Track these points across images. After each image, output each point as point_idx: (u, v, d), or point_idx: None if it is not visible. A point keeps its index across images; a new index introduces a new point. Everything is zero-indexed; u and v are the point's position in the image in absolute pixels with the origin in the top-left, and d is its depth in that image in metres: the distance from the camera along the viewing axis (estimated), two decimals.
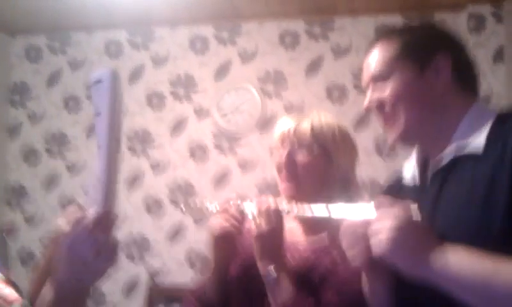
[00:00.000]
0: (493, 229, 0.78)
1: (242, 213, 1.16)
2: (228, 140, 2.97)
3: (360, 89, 2.87)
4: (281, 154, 1.20)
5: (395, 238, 0.76)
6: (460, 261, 0.75)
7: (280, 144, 1.22)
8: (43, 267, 0.94)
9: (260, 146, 2.94)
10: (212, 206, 1.19)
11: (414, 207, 0.80)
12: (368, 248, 0.81)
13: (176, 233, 2.95)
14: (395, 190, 1.05)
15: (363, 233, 0.82)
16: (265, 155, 2.92)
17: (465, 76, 0.95)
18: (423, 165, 0.99)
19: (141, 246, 2.95)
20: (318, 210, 0.99)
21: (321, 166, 1.19)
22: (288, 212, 1.10)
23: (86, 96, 3.07)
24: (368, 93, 0.98)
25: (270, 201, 1.11)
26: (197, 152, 2.99)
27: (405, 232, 0.76)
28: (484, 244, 0.75)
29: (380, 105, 0.96)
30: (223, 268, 1.21)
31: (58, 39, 3.16)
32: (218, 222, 1.15)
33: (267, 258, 1.10)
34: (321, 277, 1.12)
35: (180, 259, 2.92)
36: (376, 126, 2.86)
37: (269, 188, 2.84)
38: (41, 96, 3.16)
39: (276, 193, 1.22)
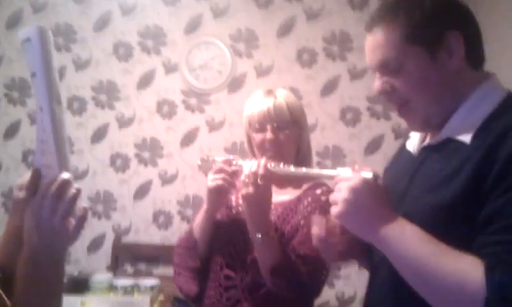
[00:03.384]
0: (444, 208, 0.81)
1: (235, 172, 1.28)
2: (196, 97, 2.95)
3: (329, 54, 2.91)
4: (263, 132, 1.32)
5: (349, 202, 0.83)
6: (403, 236, 0.80)
7: (259, 124, 1.33)
8: (9, 234, 0.94)
9: (228, 105, 2.94)
10: (220, 160, 1.32)
11: (369, 175, 0.87)
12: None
13: (142, 190, 2.97)
14: (400, 149, 1.12)
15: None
16: (233, 114, 2.93)
17: (475, 53, 0.90)
18: (424, 136, 1.01)
19: (107, 203, 2.96)
20: (298, 170, 1.18)
21: (296, 139, 1.36)
22: (275, 169, 1.21)
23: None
24: (377, 77, 0.93)
25: (261, 165, 1.20)
26: (164, 107, 2.96)
27: (360, 194, 0.83)
28: (435, 216, 0.82)
29: (392, 93, 0.91)
30: (213, 217, 1.33)
31: None
32: (213, 178, 1.27)
33: (253, 220, 1.21)
34: (288, 233, 1.28)
35: (147, 217, 2.95)
36: (342, 93, 2.92)
37: (235, 148, 2.88)
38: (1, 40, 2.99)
39: (241, 153, 1.35)
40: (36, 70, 0.75)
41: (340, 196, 0.85)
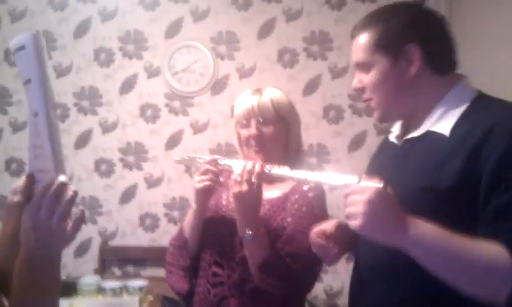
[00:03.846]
0: (439, 191, 0.91)
1: (221, 171, 1.31)
2: (179, 100, 2.97)
3: (310, 53, 2.96)
4: (248, 128, 1.35)
5: (368, 215, 0.86)
6: (429, 235, 0.86)
7: (245, 120, 1.36)
8: (5, 237, 0.96)
9: (212, 107, 2.96)
10: (201, 160, 1.35)
11: (380, 184, 0.89)
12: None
13: (128, 194, 2.97)
14: (383, 142, 1.24)
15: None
16: (217, 116, 2.95)
17: (441, 62, 1.04)
18: (405, 129, 1.12)
19: (92, 208, 2.95)
20: (297, 174, 1.14)
21: (282, 135, 1.38)
22: (269, 171, 1.22)
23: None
24: (356, 75, 1.10)
25: (256, 165, 1.22)
26: (148, 111, 2.97)
27: (377, 205, 0.86)
28: (424, 201, 0.92)
29: (362, 90, 1.09)
30: (202, 216, 1.36)
31: None
32: (199, 179, 1.30)
33: (243, 217, 1.22)
34: (276, 230, 1.30)
35: (133, 221, 2.96)
36: (324, 91, 2.97)
37: (220, 149, 2.90)
38: None
39: (226, 154, 1.35)
40: (31, 76, 0.76)
41: (357, 209, 0.87)
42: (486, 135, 0.89)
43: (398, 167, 1.03)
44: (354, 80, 1.10)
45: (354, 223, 0.87)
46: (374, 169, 1.13)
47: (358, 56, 1.07)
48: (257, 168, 1.20)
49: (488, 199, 0.87)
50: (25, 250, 0.76)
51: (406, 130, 1.10)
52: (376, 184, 0.88)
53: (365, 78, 1.06)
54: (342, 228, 1.12)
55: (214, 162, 1.30)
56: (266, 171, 1.21)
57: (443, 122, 0.98)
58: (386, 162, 1.11)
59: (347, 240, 1.13)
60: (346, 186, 0.92)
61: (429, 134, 0.99)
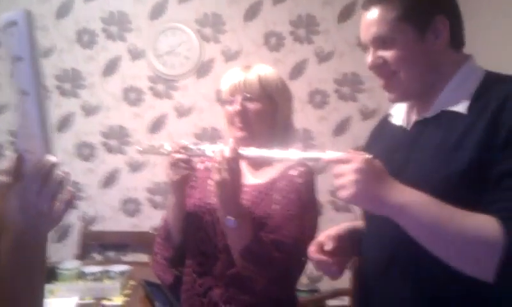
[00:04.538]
0: (455, 176, 0.88)
1: (193, 158, 1.26)
2: (163, 83, 2.92)
3: (297, 37, 2.92)
4: (233, 104, 1.30)
5: (359, 182, 0.84)
6: (419, 203, 0.85)
7: (230, 95, 1.31)
8: None
9: (197, 90, 2.92)
10: (168, 146, 1.27)
11: (369, 157, 0.88)
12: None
13: (110, 178, 2.93)
14: (380, 127, 1.19)
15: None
16: (202, 100, 2.91)
17: (458, 36, 1.01)
18: (410, 111, 1.08)
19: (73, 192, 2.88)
20: (277, 153, 1.11)
21: (269, 113, 1.31)
22: (247, 156, 1.17)
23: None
24: (371, 52, 1.01)
25: (231, 150, 1.16)
26: (131, 94, 2.91)
27: (367, 173, 0.85)
28: (446, 185, 0.88)
29: (383, 66, 1.00)
30: (182, 206, 1.33)
31: None
32: (172, 172, 1.25)
33: (226, 205, 1.19)
34: (261, 218, 1.25)
35: (115, 205, 2.92)
36: (310, 75, 2.94)
37: (205, 134, 2.87)
38: None
39: (212, 139, 1.30)
40: (22, 54, 0.74)
41: (347, 179, 0.85)
42: (503, 104, 0.87)
43: (411, 149, 0.99)
44: (370, 57, 1.01)
45: (345, 193, 0.85)
46: (377, 154, 1.05)
47: (377, 30, 0.98)
48: (230, 150, 1.15)
49: (496, 165, 0.85)
50: (13, 230, 0.75)
51: (411, 111, 1.06)
52: (363, 154, 0.87)
53: (386, 54, 0.98)
54: (342, 237, 1.07)
55: (184, 149, 1.24)
56: (244, 153, 1.16)
57: (457, 100, 0.94)
58: (393, 145, 1.05)
59: (350, 245, 1.08)
60: (332, 160, 0.90)
61: (444, 114, 0.96)
